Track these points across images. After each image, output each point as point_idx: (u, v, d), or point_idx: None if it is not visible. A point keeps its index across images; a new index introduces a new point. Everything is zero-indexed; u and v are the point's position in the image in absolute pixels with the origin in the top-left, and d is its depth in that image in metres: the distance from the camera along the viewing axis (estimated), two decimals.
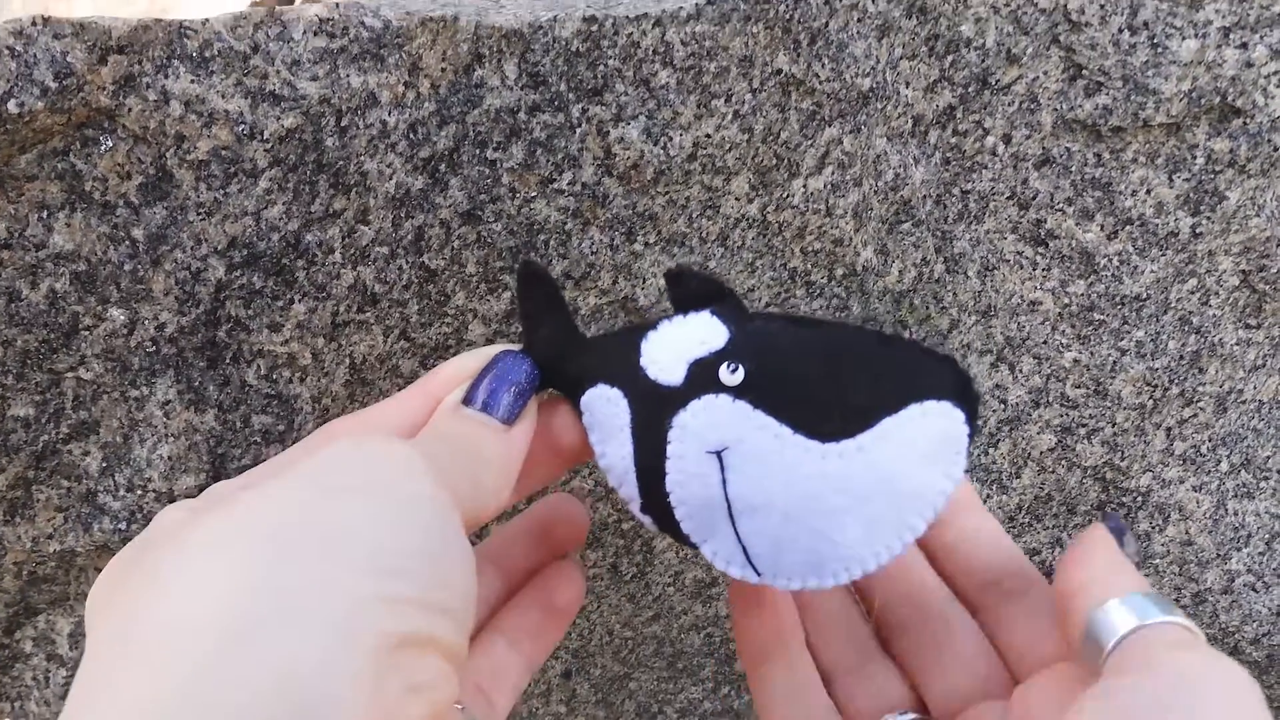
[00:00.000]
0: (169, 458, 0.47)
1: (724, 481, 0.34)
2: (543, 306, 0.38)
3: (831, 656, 0.40)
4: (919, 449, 0.34)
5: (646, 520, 0.36)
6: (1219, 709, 0.28)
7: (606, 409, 0.36)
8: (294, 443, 0.49)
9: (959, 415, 0.34)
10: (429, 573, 0.25)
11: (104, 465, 0.46)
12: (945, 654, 0.37)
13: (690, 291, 0.37)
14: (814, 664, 0.39)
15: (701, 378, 0.35)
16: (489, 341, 0.53)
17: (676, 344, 0.36)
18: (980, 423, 0.35)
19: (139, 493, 0.47)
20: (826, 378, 0.35)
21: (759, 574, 0.35)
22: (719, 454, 0.34)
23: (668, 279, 0.38)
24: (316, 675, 0.22)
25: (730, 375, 0.34)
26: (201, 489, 0.48)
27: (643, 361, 0.36)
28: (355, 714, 0.22)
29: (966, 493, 0.38)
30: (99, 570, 0.50)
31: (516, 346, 0.37)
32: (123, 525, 0.47)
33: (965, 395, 0.35)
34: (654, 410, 0.35)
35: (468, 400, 0.34)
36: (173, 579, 0.24)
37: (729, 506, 0.34)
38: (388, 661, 0.23)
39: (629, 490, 0.36)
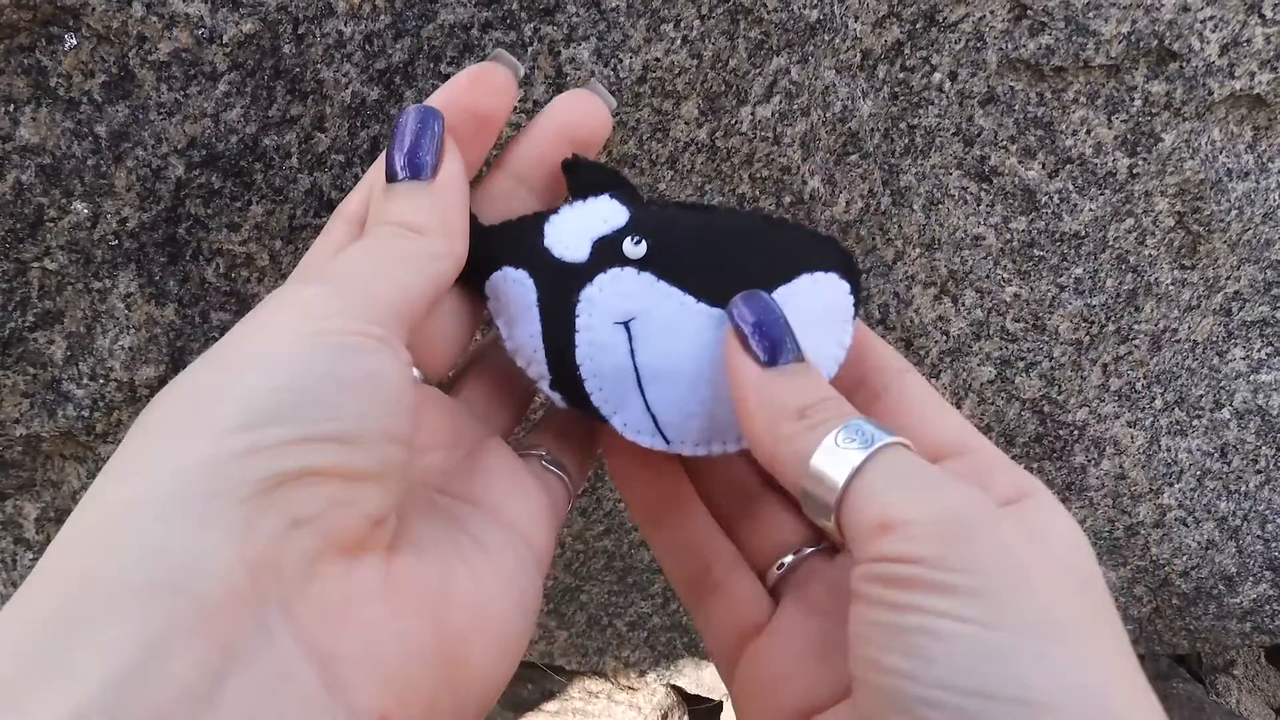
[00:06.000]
0: (130, 349, 0.49)
1: (632, 351, 0.36)
2: None
3: (720, 505, 0.40)
4: (811, 315, 0.35)
5: (556, 396, 0.38)
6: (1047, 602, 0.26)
7: (512, 290, 0.37)
8: None
9: (845, 287, 0.36)
10: (308, 410, 0.26)
11: (68, 354, 0.49)
12: None
13: (588, 179, 0.39)
14: (710, 515, 0.40)
15: (606, 253, 0.36)
16: None
17: (579, 224, 0.37)
18: (863, 294, 0.37)
19: (101, 382, 0.49)
20: (724, 252, 0.36)
21: (668, 441, 0.37)
22: (626, 324, 0.36)
23: (564, 168, 0.39)
24: (180, 541, 0.23)
25: (634, 248, 0.36)
26: (161, 380, 0.50)
27: (546, 243, 0.37)
28: (223, 564, 0.23)
29: None
30: (64, 457, 0.53)
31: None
32: (85, 412, 0.50)
33: (849, 269, 0.37)
34: (560, 286, 0.36)
35: (389, 176, 0.34)
36: (90, 492, 0.25)
37: (638, 375, 0.36)
38: (261, 504, 0.24)
39: (538, 368, 0.37)
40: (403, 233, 0.32)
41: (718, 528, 0.40)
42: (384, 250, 0.32)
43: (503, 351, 0.39)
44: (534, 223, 0.38)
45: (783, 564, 0.38)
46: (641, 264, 0.36)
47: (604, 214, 0.37)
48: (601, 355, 0.36)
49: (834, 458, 0.30)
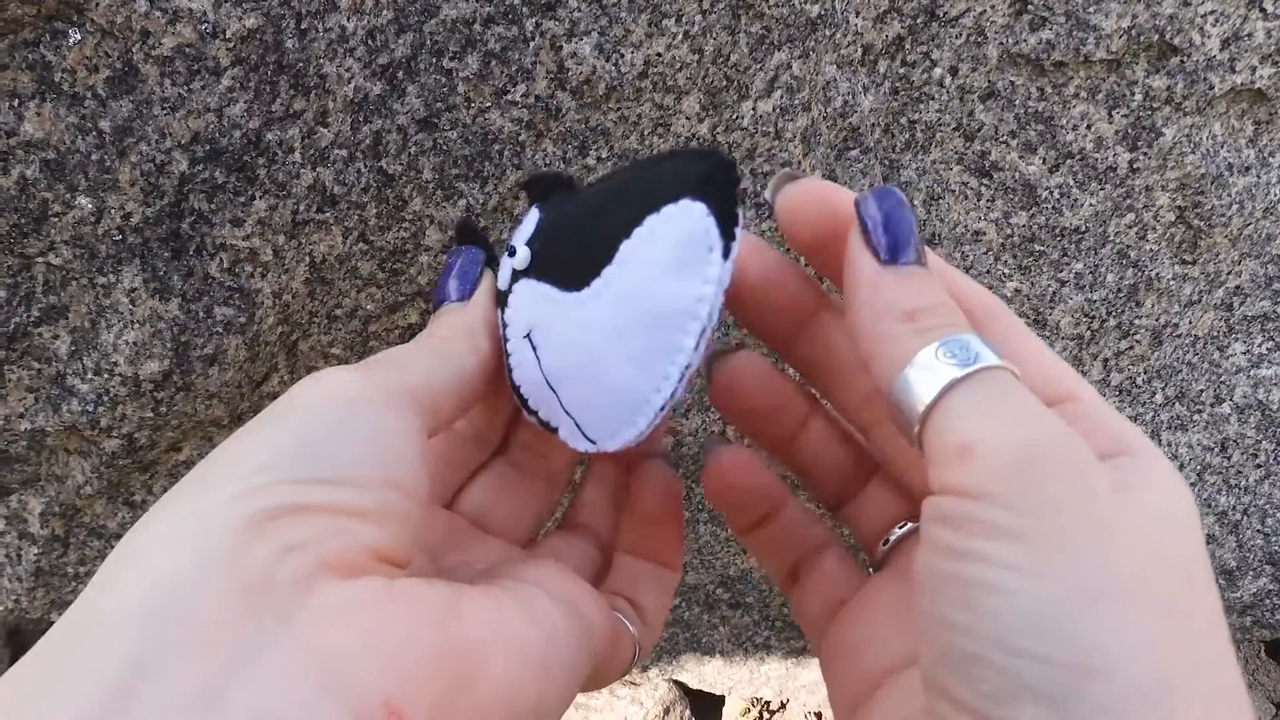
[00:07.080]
0: (134, 343, 0.49)
1: (538, 361, 0.35)
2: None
3: (831, 491, 0.40)
4: (662, 262, 0.32)
5: (534, 421, 0.37)
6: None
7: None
8: (254, 335, 0.52)
9: (699, 209, 0.32)
10: (306, 457, 0.28)
11: (73, 349, 0.49)
12: None
13: (534, 195, 0.38)
14: (800, 512, 0.40)
15: (515, 272, 0.36)
16: (445, 247, 0.56)
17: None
18: (741, 207, 0.32)
19: (105, 376, 0.49)
20: (587, 226, 0.34)
21: (593, 441, 0.35)
22: (529, 336, 0.35)
23: (524, 189, 0.39)
24: (179, 571, 0.25)
25: (513, 260, 0.36)
26: (165, 375, 0.50)
27: (499, 280, 0.37)
28: (215, 588, 0.25)
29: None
30: (68, 451, 0.53)
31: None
32: (90, 407, 0.50)
33: (709, 184, 0.32)
34: (500, 318, 0.37)
35: (435, 305, 0.38)
36: (125, 536, 0.28)
37: (548, 382, 0.35)
38: (255, 534, 0.26)
39: (517, 402, 0.37)
40: (434, 340, 0.36)
41: (807, 519, 0.40)
42: (413, 348, 0.35)
43: None
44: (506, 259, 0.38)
45: (888, 540, 0.38)
46: (527, 272, 0.36)
47: (525, 231, 0.37)
48: (524, 372, 0.36)
49: (927, 372, 0.28)
